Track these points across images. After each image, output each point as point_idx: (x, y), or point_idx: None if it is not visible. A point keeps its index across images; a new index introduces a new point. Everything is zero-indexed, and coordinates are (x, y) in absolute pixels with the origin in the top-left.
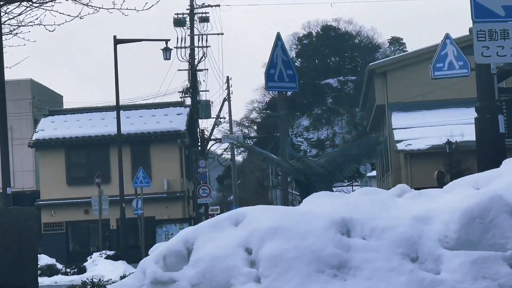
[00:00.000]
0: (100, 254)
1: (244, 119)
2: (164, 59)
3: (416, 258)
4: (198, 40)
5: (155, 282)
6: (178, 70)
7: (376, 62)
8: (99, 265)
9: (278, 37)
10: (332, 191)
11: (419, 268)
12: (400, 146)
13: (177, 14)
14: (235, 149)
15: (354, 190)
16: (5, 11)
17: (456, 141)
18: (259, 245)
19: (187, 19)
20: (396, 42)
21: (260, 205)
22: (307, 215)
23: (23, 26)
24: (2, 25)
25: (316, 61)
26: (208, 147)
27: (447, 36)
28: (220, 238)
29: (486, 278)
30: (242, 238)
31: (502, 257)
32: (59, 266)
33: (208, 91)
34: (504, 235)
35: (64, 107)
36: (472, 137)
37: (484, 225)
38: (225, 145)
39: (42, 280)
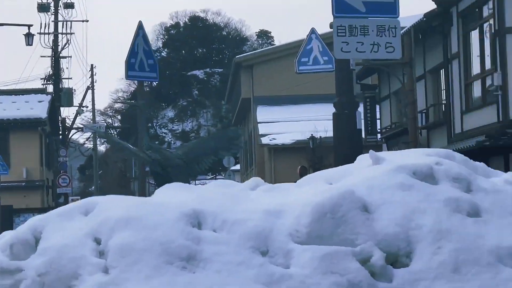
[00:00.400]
0: None
1: (108, 109)
2: (26, 45)
3: (266, 252)
4: (62, 27)
5: (1, 271)
6: (41, 56)
7: (242, 55)
8: None
9: (140, 26)
10: (189, 183)
11: (269, 262)
12: (264, 140)
13: None
14: (98, 139)
15: None
16: None
17: (320, 136)
18: (108, 235)
19: (52, 4)
20: (264, 35)
21: (112, 195)
22: (159, 206)
23: None
24: None
25: (183, 52)
26: (70, 136)
27: (312, 31)
28: (69, 228)
29: (335, 273)
30: (91, 228)
31: (351, 252)
32: None
33: (71, 78)
34: (355, 231)
35: None
36: None
37: (335, 220)
38: (88, 134)
39: None
